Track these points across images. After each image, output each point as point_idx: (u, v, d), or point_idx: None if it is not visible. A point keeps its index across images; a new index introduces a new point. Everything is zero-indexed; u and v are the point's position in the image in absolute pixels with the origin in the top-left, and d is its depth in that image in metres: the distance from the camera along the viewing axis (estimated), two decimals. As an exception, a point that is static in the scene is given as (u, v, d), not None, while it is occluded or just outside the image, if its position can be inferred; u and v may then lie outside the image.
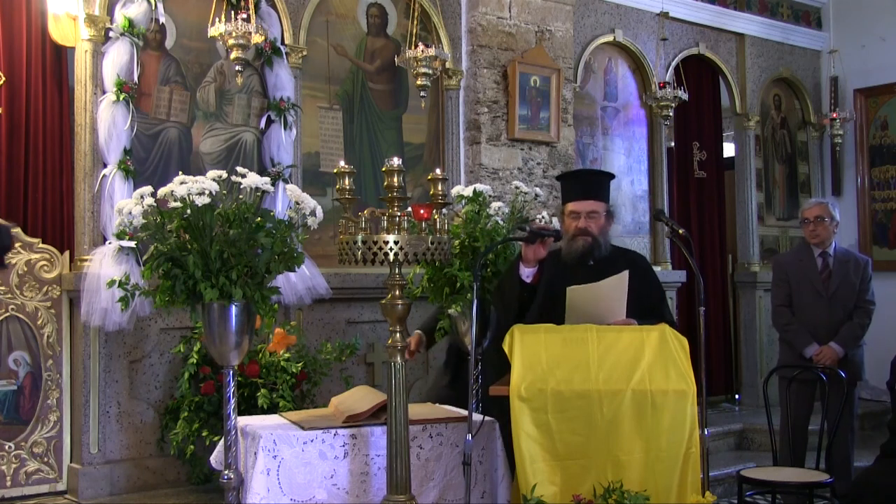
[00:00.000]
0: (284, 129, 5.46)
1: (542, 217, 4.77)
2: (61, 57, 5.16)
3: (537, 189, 4.91)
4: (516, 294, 3.74)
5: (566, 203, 3.95)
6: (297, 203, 3.59)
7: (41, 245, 5.00)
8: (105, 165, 4.95)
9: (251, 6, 4.97)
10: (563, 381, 3.30)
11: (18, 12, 5.02)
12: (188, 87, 5.35)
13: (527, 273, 3.70)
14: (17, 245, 4.92)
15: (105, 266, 4.76)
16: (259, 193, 3.52)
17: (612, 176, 4.16)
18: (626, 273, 3.67)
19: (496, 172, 6.31)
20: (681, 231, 4.02)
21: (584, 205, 3.86)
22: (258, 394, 4.74)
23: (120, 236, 3.96)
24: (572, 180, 4.06)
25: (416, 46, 5.37)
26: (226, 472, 3.51)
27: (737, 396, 8.25)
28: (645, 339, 3.40)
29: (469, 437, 3.28)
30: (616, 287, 3.67)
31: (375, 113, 6.07)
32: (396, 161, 3.36)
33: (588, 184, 3.96)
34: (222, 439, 3.64)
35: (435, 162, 6.17)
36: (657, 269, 7.42)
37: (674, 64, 7.71)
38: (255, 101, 5.54)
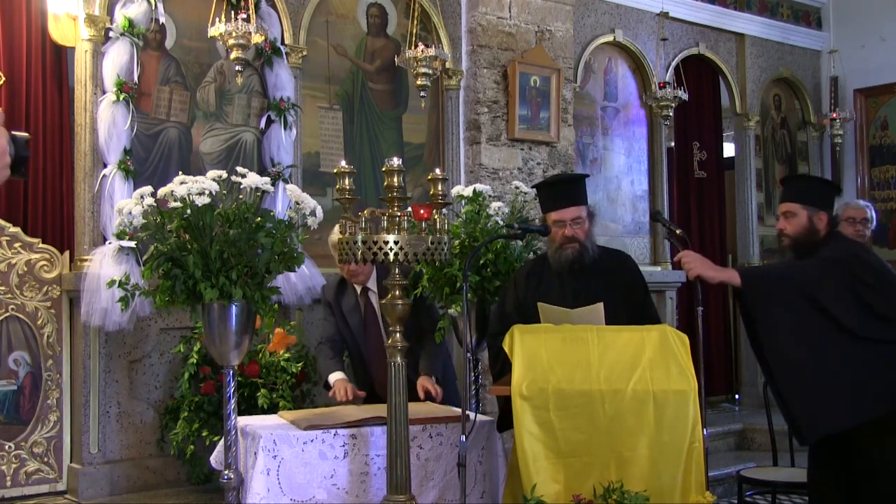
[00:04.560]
0: (284, 129, 5.46)
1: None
2: (61, 57, 5.16)
3: (537, 189, 4.90)
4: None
5: (547, 212, 3.87)
6: (297, 203, 3.59)
7: (41, 245, 5.00)
8: (105, 165, 4.95)
9: (251, 6, 4.97)
10: (564, 379, 3.30)
11: (18, 12, 5.02)
12: (188, 87, 5.35)
13: None
14: (16, 245, 4.92)
15: (105, 266, 4.76)
16: (259, 193, 3.52)
17: (586, 177, 4.09)
18: (600, 305, 3.64)
19: (496, 172, 6.31)
20: (678, 231, 4.02)
21: (567, 213, 3.78)
22: (258, 394, 4.74)
23: (120, 236, 3.95)
24: (550, 189, 3.95)
25: (416, 46, 5.37)
26: (226, 472, 3.51)
27: (737, 396, 8.26)
28: (645, 338, 3.40)
29: (463, 438, 3.26)
30: (590, 318, 3.62)
31: (375, 113, 6.06)
32: (396, 161, 3.36)
33: (567, 190, 3.88)
34: (222, 439, 3.64)
35: (435, 162, 6.16)
36: (657, 269, 7.44)
37: (674, 64, 7.72)
38: (255, 101, 5.54)
